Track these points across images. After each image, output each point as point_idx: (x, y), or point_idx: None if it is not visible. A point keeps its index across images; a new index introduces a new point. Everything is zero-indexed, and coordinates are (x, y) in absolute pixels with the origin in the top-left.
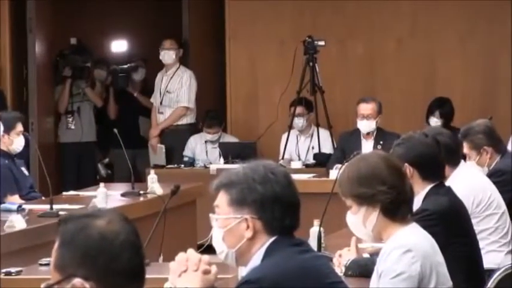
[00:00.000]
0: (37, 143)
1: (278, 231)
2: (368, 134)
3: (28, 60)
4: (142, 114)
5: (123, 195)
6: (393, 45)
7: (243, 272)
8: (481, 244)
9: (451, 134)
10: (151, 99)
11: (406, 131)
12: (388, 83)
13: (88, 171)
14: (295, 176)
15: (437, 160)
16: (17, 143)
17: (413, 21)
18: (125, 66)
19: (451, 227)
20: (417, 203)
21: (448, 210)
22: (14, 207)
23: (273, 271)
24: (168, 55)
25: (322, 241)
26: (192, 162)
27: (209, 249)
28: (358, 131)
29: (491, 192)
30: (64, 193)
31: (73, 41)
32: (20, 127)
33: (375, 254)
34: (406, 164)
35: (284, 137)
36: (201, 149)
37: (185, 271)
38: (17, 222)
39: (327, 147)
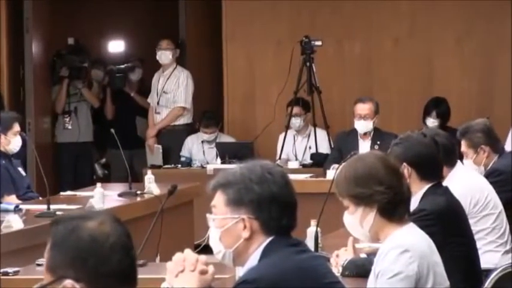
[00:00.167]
0: (34, 143)
1: (275, 231)
2: (365, 134)
3: (25, 60)
4: (139, 115)
5: (120, 195)
6: (391, 45)
7: (240, 272)
8: (478, 244)
9: (447, 134)
10: (148, 100)
11: (403, 131)
12: (386, 83)
13: (85, 171)
14: (292, 176)
15: (435, 160)
16: (14, 143)
17: (411, 21)
18: (122, 66)
19: (448, 227)
20: (414, 203)
21: (446, 210)
22: (11, 207)
23: (270, 271)
24: (164, 55)
25: (319, 241)
26: (189, 163)
27: (206, 249)
28: (355, 131)
29: (488, 192)
30: (61, 193)
31: (70, 41)
32: (17, 127)
33: (372, 254)
34: (404, 164)
35: (281, 137)
36: (198, 149)
37: (182, 271)
38: (14, 223)
39: (324, 147)
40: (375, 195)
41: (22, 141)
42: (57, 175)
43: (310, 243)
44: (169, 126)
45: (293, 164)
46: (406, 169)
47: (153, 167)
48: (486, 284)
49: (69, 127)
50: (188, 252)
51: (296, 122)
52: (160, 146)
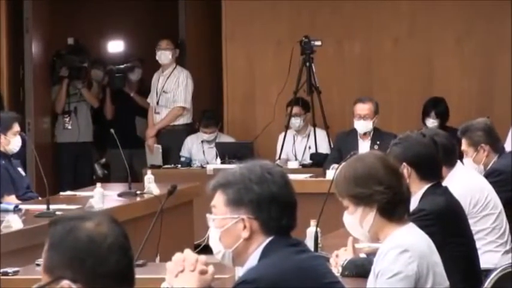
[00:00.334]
0: (34, 143)
1: (275, 231)
2: (365, 134)
3: (25, 60)
4: (139, 115)
5: (119, 195)
6: (390, 45)
7: (239, 272)
8: (478, 244)
9: (447, 134)
10: (148, 100)
11: (403, 131)
12: (386, 83)
13: (85, 172)
14: (291, 176)
15: (434, 160)
16: (13, 143)
17: (411, 21)
18: (122, 66)
19: (448, 227)
20: (414, 203)
21: (445, 210)
22: (11, 207)
23: (269, 271)
24: (164, 55)
25: (319, 241)
26: (188, 163)
27: (206, 250)
28: (354, 131)
29: (488, 192)
30: (61, 193)
31: (70, 41)
32: (16, 127)
33: (371, 254)
34: (404, 164)
35: (281, 137)
36: (198, 149)
37: (182, 271)
38: (14, 223)
39: (324, 147)
40: (375, 195)
41: (22, 141)
42: (56, 175)
43: (309, 243)
44: (169, 126)
45: (293, 164)
46: (405, 169)
47: (152, 167)
48: (486, 284)
49: (69, 127)
50: (188, 252)
51: (296, 122)
52: (160, 146)
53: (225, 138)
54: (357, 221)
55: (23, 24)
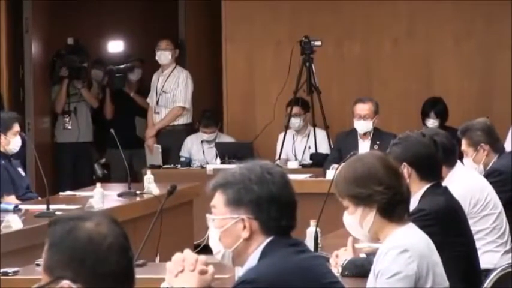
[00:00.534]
0: (33, 143)
1: (275, 231)
2: (365, 134)
3: (24, 60)
4: (139, 115)
5: (119, 195)
6: (390, 45)
7: (239, 272)
8: (478, 244)
9: (447, 134)
10: (148, 100)
11: (403, 131)
12: (385, 83)
13: (84, 172)
14: (291, 176)
15: (434, 160)
16: (13, 143)
17: (410, 21)
18: (122, 66)
19: (448, 227)
20: (414, 203)
21: (445, 210)
22: (11, 207)
23: (269, 271)
24: (164, 55)
25: (319, 241)
26: (188, 163)
27: (206, 250)
28: (354, 131)
29: (488, 192)
30: (60, 193)
31: (70, 41)
32: (16, 127)
33: (371, 254)
34: (404, 164)
35: (281, 137)
36: (198, 149)
37: (182, 271)
38: (14, 223)
39: (324, 148)
40: (374, 195)
41: (22, 141)
42: (56, 175)
43: (309, 243)
44: (168, 126)
45: (293, 164)
46: (406, 169)
47: (152, 167)
48: (486, 284)
49: (69, 127)
50: (188, 252)
51: (295, 122)
52: (159, 146)
53: (225, 138)
54: (357, 221)
55: (23, 24)
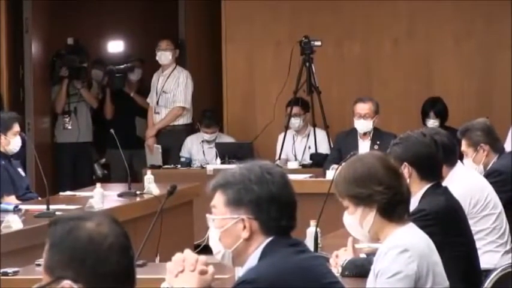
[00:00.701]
0: (33, 143)
1: (275, 231)
2: (365, 134)
3: (24, 60)
4: (139, 115)
5: (119, 195)
6: (390, 45)
7: (239, 272)
8: (478, 244)
9: (448, 133)
10: (148, 100)
11: (403, 131)
12: (385, 83)
13: (84, 172)
14: (291, 176)
15: (435, 160)
16: (13, 143)
17: (410, 21)
18: (122, 66)
19: (448, 227)
20: (414, 203)
21: (445, 210)
22: (11, 207)
23: (269, 271)
24: (164, 56)
25: (319, 241)
26: (188, 163)
27: (206, 250)
28: (354, 131)
29: (488, 192)
30: (60, 193)
31: (70, 41)
32: (16, 127)
33: (371, 254)
34: (405, 164)
35: (280, 137)
36: (198, 149)
37: (182, 271)
38: (14, 223)
39: (324, 148)
40: (375, 196)
41: (22, 141)
42: (56, 175)
43: (309, 243)
44: (168, 126)
45: (293, 164)
46: (406, 169)
47: (152, 167)
48: (486, 284)
49: (69, 127)
50: (188, 253)
51: (295, 122)
52: (159, 146)
53: (225, 139)
54: (357, 221)
55: (22, 24)
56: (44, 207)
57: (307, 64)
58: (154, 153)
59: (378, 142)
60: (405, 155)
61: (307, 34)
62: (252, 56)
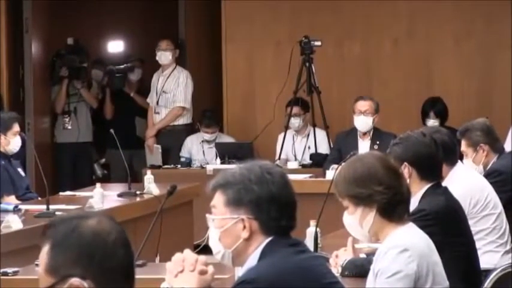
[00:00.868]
0: (33, 143)
1: (274, 231)
2: (365, 134)
3: (24, 60)
4: (139, 115)
5: (119, 195)
6: (390, 45)
7: (239, 272)
8: (478, 244)
9: (449, 132)
10: (148, 100)
11: (403, 131)
12: (385, 83)
13: (84, 172)
14: (291, 176)
15: (435, 160)
16: (13, 143)
17: (410, 21)
18: (122, 66)
19: (448, 227)
20: (414, 203)
21: (445, 210)
22: (11, 207)
23: (269, 271)
24: (164, 56)
25: (319, 241)
26: (188, 163)
27: (206, 250)
28: (354, 131)
29: (488, 192)
30: (60, 193)
31: (70, 41)
32: (16, 127)
33: (371, 254)
34: (405, 163)
35: (280, 137)
36: (198, 149)
37: (182, 271)
38: (14, 223)
39: (324, 148)
40: (374, 196)
41: (21, 141)
42: (56, 175)
43: (309, 243)
44: (168, 126)
45: (292, 164)
46: (407, 168)
47: (152, 167)
48: (486, 284)
49: (69, 127)
50: (188, 253)
51: (295, 122)
52: (159, 146)
53: (225, 139)
54: (357, 221)
55: (22, 24)
56: (43, 207)
57: (307, 64)
58: (154, 153)
59: (378, 142)
60: (405, 155)
61: (307, 34)
62: (252, 56)
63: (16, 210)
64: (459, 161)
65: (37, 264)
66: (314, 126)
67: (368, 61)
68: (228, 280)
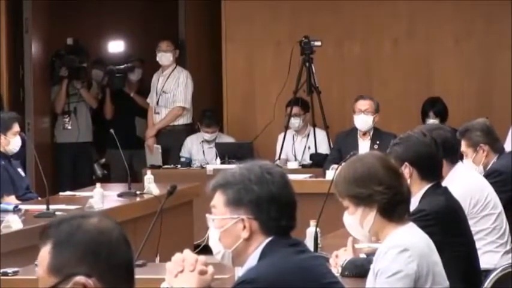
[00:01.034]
0: (33, 143)
1: (274, 231)
2: (365, 134)
3: (24, 60)
4: (139, 115)
5: (119, 195)
6: (390, 45)
7: (239, 272)
8: (478, 244)
9: (451, 129)
10: (148, 100)
11: (403, 131)
12: (385, 83)
13: (84, 172)
14: (291, 176)
15: (435, 159)
16: (13, 143)
17: (410, 21)
18: (122, 66)
19: (448, 227)
20: (414, 203)
21: (445, 211)
22: (11, 207)
23: (269, 271)
24: (165, 57)
25: (319, 241)
26: (188, 163)
27: (206, 250)
28: (354, 131)
29: (488, 192)
30: (60, 193)
31: (69, 41)
32: (16, 127)
33: (371, 254)
34: (406, 163)
35: (280, 137)
36: (198, 149)
37: (182, 271)
38: (14, 223)
39: (324, 148)
40: (375, 196)
41: (21, 141)
42: (56, 175)
43: (309, 243)
44: (168, 126)
45: (292, 164)
46: (407, 168)
47: (152, 167)
48: (486, 284)
49: (69, 127)
50: (187, 253)
51: (295, 122)
52: (159, 146)
53: (225, 139)
54: (357, 221)
55: (22, 24)
56: (43, 207)
57: (307, 64)
58: (154, 153)
59: (378, 142)
60: (406, 155)
61: (307, 34)
62: (252, 56)
63: (16, 210)
64: (460, 161)
65: (37, 265)
66: (314, 126)
67: (368, 61)
68: (228, 280)
